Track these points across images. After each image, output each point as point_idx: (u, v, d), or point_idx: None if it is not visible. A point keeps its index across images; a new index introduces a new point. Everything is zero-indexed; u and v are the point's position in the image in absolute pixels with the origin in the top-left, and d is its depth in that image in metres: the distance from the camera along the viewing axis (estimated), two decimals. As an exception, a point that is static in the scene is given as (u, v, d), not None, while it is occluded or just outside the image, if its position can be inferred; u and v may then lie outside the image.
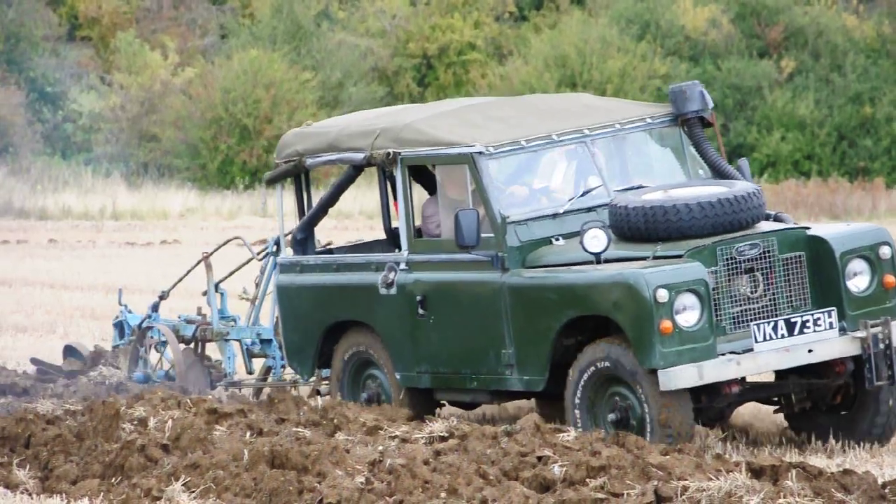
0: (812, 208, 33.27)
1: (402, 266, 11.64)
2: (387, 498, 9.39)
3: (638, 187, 11.39)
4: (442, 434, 10.85)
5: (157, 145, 42.39)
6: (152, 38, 45.88)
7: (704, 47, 41.91)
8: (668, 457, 9.92)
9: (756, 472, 9.52)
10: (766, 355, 10.59)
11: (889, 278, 10.93)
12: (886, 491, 9.08)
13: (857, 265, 10.91)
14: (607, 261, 10.78)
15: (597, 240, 10.73)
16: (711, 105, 11.77)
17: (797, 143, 38.92)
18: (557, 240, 11.17)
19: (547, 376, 10.97)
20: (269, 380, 13.36)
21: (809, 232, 10.98)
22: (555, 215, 11.25)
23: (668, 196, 10.93)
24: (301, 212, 12.44)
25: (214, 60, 43.73)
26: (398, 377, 11.76)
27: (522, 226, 11.16)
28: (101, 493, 10.14)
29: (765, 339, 10.58)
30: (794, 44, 41.76)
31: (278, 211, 12.69)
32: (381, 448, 10.38)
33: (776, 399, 11.31)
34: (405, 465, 9.84)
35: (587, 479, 9.41)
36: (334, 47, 44.23)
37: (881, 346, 10.65)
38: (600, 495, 8.98)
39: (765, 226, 10.98)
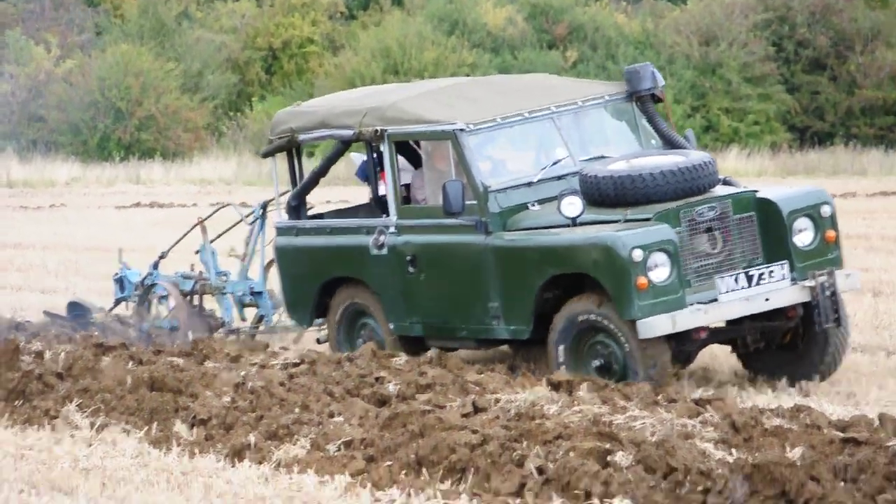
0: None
1: (392, 230, 10.93)
2: (249, 414, 9.20)
3: (600, 157, 10.71)
4: (294, 361, 10.76)
5: (43, 125, 41.51)
6: (37, 35, 44.82)
7: (504, 41, 41.92)
8: (482, 375, 9.91)
9: (555, 386, 9.60)
10: (730, 304, 10.03)
11: (830, 233, 10.42)
12: (659, 398, 9.23)
13: (802, 223, 10.38)
14: (582, 224, 10.13)
15: (573, 205, 10.11)
16: (662, 83, 11.12)
17: (579, 121, 39.21)
18: (533, 205, 10.50)
19: (532, 326, 10.31)
20: (261, 327, 12.66)
21: (759, 194, 10.40)
22: (529, 184, 10.55)
23: (632, 166, 10.27)
24: (294, 181, 11.63)
25: (91, 53, 42.90)
26: (391, 327, 11.04)
27: (502, 193, 10.46)
28: (7, 414, 9.92)
29: (728, 291, 10.02)
30: (576, 37, 41.94)
31: (273, 180, 11.86)
32: (243, 373, 10.26)
33: (732, 340, 10.69)
34: (264, 386, 9.74)
35: (416, 395, 9.34)
36: (193, 42, 43.53)
37: (827, 293, 10.18)
38: (428, 407, 8.81)
39: (720, 190, 10.38)
